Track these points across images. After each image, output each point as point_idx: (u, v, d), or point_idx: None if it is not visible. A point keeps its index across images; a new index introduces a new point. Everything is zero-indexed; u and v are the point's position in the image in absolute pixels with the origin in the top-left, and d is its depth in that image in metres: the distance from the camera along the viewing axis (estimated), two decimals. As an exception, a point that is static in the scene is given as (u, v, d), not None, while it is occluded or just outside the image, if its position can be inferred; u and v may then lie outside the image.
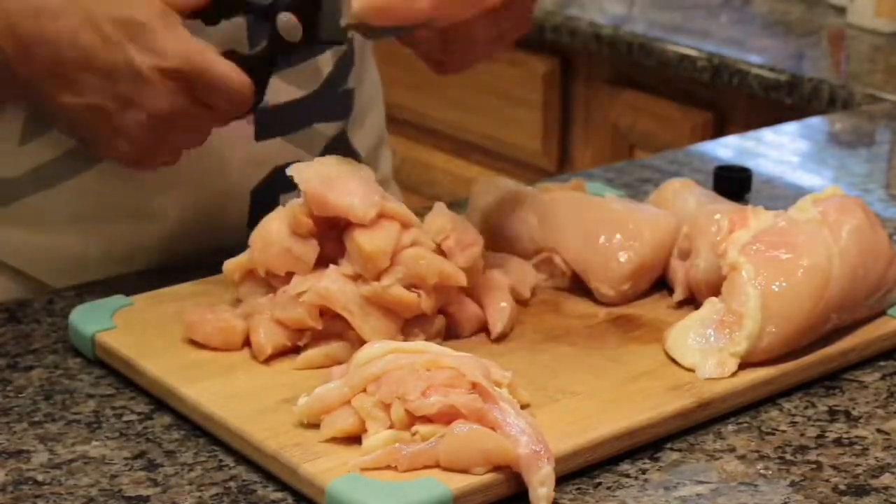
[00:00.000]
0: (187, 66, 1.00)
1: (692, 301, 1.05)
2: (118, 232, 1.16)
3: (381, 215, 0.97)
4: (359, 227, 0.96)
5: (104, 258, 1.17)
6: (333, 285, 0.96)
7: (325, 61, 1.21)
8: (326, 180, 0.98)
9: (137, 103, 1.02)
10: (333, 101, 1.24)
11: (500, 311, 1.02)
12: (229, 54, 1.02)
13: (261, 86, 1.02)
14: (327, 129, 1.23)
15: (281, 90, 1.17)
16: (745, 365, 0.96)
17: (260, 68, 1.02)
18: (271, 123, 1.17)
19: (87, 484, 0.86)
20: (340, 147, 1.24)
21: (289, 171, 0.98)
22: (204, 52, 1.00)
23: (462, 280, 0.98)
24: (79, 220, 1.15)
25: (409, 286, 0.97)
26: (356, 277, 0.97)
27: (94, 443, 0.90)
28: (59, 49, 1.01)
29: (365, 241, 0.96)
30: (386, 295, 0.96)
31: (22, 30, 1.01)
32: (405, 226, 0.97)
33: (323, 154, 1.17)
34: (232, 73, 1.01)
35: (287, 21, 1.02)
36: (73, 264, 1.16)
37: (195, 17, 1.04)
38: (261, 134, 1.17)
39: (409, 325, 0.98)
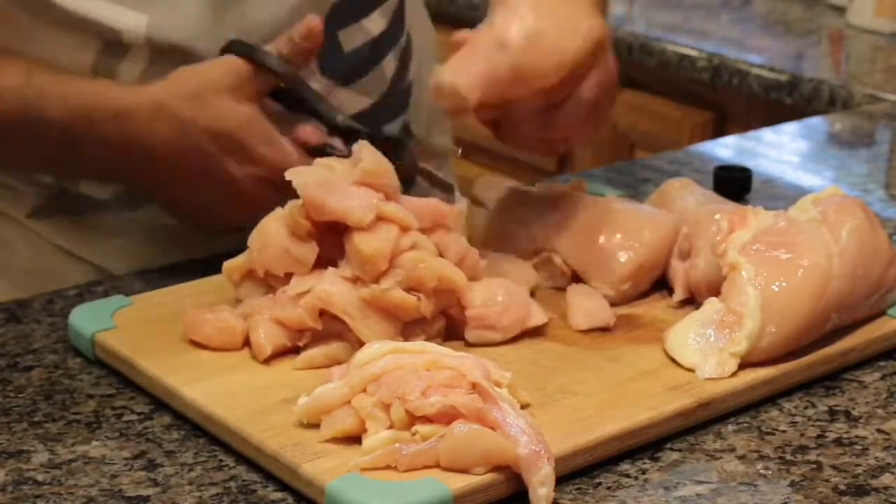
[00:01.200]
0: (278, 174, 1.03)
1: (692, 301, 1.05)
2: (195, 241, 1.19)
3: (380, 218, 0.97)
4: (357, 229, 0.96)
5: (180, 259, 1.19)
6: (332, 288, 0.96)
7: (389, 62, 1.23)
8: (325, 184, 0.97)
9: (231, 202, 1.08)
10: (397, 98, 1.25)
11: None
12: (322, 150, 1.08)
13: None
14: (393, 128, 1.24)
15: (351, 101, 1.19)
16: (745, 365, 0.96)
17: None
18: None
19: (87, 484, 0.86)
20: (403, 140, 1.26)
21: (287, 176, 0.99)
22: (292, 161, 1.05)
23: (462, 282, 0.98)
24: (158, 231, 1.19)
25: (409, 289, 0.96)
26: (355, 280, 0.97)
27: (94, 443, 0.90)
28: (151, 152, 1.07)
29: (363, 243, 0.95)
30: (385, 298, 0.96)
31: (108, 133, 1.06)
32: (404, 229, 0.97)
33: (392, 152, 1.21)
34: None
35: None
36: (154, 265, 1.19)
37: (276, 99, 1.10)
38: None
39: (408, 326, 0.98)
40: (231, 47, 1.09)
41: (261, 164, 1.06)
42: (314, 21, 1.10)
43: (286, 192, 1.03)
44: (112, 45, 1.10)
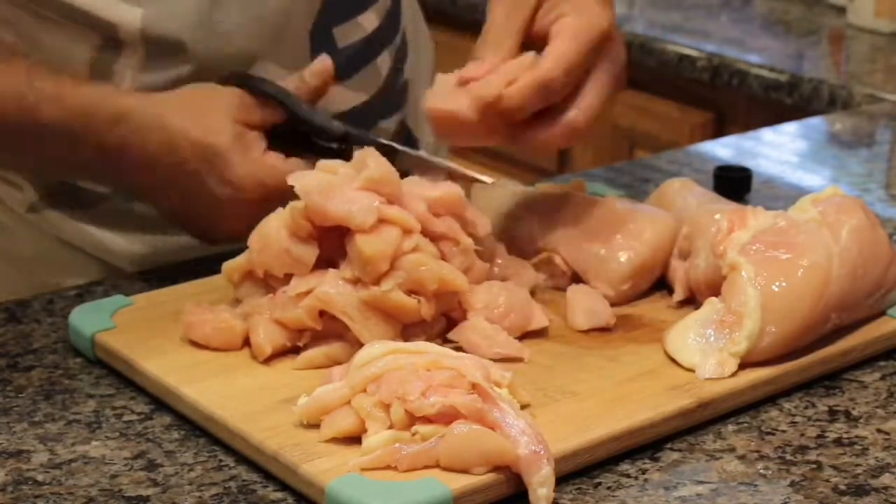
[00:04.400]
0: (262, 193, 1.05)
1: (692, 301, 1.05)
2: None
3: (382, 220, 0.97)
4: (359, 231, 0.96)
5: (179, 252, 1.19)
6: (332, 290, 0.96)
7: (384, 60, 1.23)
8: (326, 190, 0.97)
9: (213, 220, 1.08)
10: (393, 96, 1.25)
11: None
12: (308, 142, 1.08)
13: None
14: (389, 125, 1.24)
15: (345, 97, 1.19)
16: (745, 365, 0.96)
17: (333, 156, 1.05)
18: None
19: (87, 484, 0.86)
20: (402, 138, 1.26)
21: (289, 181, 0.98)
22: (276, 176, 1.04)
23: (463, 285, 0.98)
24: (158, 222, 1.18)
25: (410, 292, 0.96)
26: (355, 281, 0.97)
27: (94, 443, 0.90)
28: (143, 160, 1.07)
29: (364, 244, 0.95)
30: (385, 300, 0.96)
31: (104, 137, 1.06)
32: (407, 231, 0.97)
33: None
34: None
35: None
36: (152, 259, 1.19)
37: (277, 135, 1.09)
38: None
39: (408, 328, 0.98)
40: (235, 78, 1.10)
41: (242, 187, 1.06)
42: (326, 61, 1.10)
43: (272, 203, 1.03)
44: (108, 43, 1.10)
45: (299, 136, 1.10)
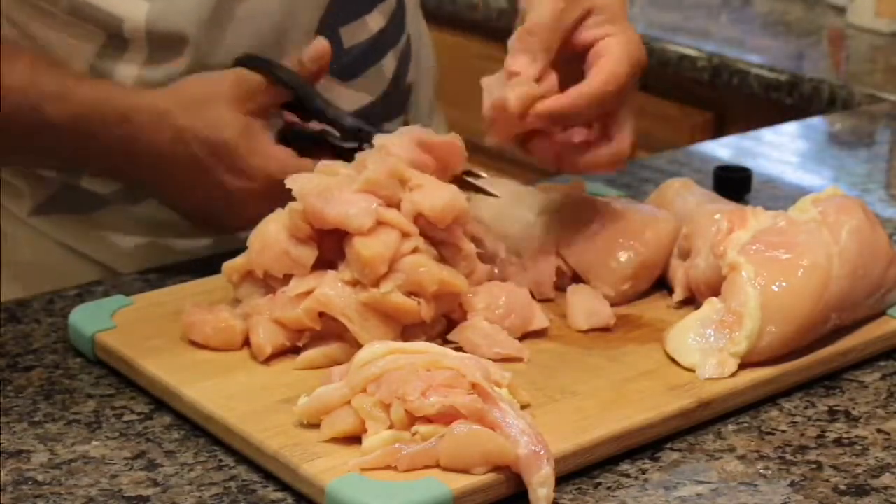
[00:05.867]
0: (272, 185, 1.04)
1: (692, 301, 1.05)
2: (199, 240, 1.19)
3: (381, 223, 0.96)
4: (358, 233, 0.96)
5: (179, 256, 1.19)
6: (332, 291, 0.96)
7: (389, 62, 1.23)
8: (324, 192, 0.97)
9: (227, 214, 1.09)
10: (397, 98, 1.25)
11: None
12: (323, 142, 1.08)
13: None
14: (393, 127, 1.25)
15: (351, 98, 1.19)
16: (745, 365, 0.96)
17: (349, 155, 1.05)
18: None
19: (87, 484, 0.86)
20: None
21: (287, 183, 0.99)
22: (287, 169, 1.04)
23: (463, 286, 0.98)
24: (160, 226, 1.19)
25: (410, 293, 0.96)
26: (355, 283, 0.97)
27: (94, 443, 0.90)
28: (150, 160, 1.07)
29: (363, 246, 0.95)
30: (385, 301, 0.96)
31: (112, 135, 1.07)
32: (405, 234, 0.97)
33: None
34: None
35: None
36: (154, 260, 1.19)
37: (289, 110, 1.10)
38: None
39: (408, 329, 0.98)
40: (243, 60, 1.10)
41: (253, 177, 1.06)
42: (322, 43, 1.10)
43: (281, 197, 1.03)
44: (112, 40, 1.10)
45: (313, 136, 1.10)
